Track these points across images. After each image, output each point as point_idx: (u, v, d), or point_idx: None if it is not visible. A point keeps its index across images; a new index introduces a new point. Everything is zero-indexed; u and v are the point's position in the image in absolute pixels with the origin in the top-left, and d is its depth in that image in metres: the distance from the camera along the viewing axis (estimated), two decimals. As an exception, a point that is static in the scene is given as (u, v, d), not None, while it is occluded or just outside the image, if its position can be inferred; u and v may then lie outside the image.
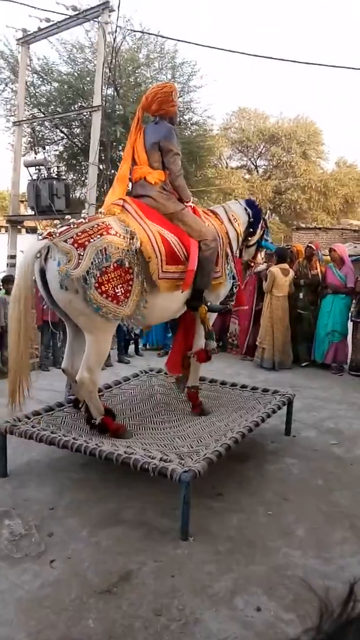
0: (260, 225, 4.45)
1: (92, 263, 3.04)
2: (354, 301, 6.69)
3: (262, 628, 2.17)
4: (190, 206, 3.78)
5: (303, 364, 7.10)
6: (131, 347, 7.58)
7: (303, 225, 16.99)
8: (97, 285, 3.07)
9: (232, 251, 4.10)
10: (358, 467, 3.89)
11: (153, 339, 7.74)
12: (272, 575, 2.52)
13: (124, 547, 2.71)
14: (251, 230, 4.36)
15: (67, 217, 3.58)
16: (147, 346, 7.85)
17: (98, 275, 3.06)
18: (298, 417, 4.79)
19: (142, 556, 2.63)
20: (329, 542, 2.86)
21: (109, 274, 3.12)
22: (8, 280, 6.84)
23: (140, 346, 7.71)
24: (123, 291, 3.18)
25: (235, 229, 4.14)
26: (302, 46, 40.13)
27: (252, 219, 4.33)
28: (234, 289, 4.14)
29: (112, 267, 3.13)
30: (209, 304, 3.76)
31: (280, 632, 2.13)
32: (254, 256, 4.66)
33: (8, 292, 6.71)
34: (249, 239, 4.41)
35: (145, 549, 2.70)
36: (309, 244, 7.46)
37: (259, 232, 4.46)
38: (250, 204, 4.44)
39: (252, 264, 4.79)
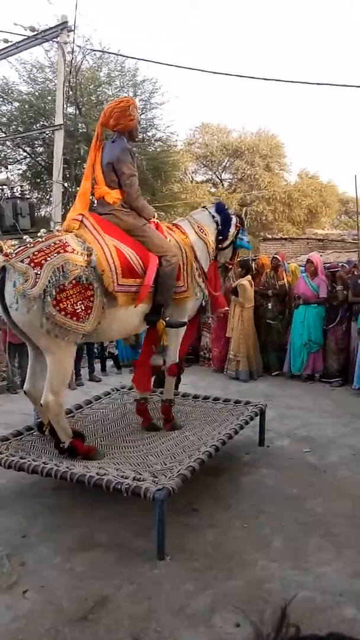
0: (233, 226, 4.35)
1: (49, 281, 3.02)
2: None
3: (241, 645, 2.14)
4: (153, 222, 3.77)
5: (274, 373, 7.18)
6: (110, 364, 7.57)
7: (269, 236, 17.27)
8: (55, 303, 3.04)
9: (200, 264, 4.00)
10: (331, 474, 3.93)
11: (123, 356, 7.69)
12: (250, 590, 2.51)
13: (99, 572, 2.65)
14: (220, 237, 4.26)
15: (24, 237, 3.60)
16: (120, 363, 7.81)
17: (55, 293, 3.04)
18: (271, 427, 4.82)
19: (118, 579, 2.58)
20: (305, 552, 2.86)
21: (68, 291, 3.09)
22: None
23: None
24: (83, 307, 3.16)
25: (204, 240, 4.06)
26: (260, 61, 41.24)
27: (220, 226, 4.23)
28: (204, 302, 4.12)
29: (70, 284, 3.10)
30: (167, 319, 3.68)
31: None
32: (231, 257, 4.55)
33: None
34: (222, 243, 4.32)
35: (121, 572, 2.65)
36: (275, 255, 7.60)
37: (232, 232, 4.35)
38: (219, 209, 4.30)
39: (230, 266, 4.69)
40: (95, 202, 3.80)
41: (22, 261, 3.09)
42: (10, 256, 3.15)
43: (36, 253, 3.12)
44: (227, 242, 4.35)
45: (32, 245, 3.22)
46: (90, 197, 3.71)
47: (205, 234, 4.10)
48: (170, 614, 2.33)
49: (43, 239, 3.30)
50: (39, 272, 3.03)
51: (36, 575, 2.62)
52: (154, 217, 3.81)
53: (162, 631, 2.22)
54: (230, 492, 3.60)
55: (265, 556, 2.81)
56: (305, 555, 2.83)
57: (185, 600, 2.42)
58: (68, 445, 3.37)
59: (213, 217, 4.24)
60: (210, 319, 6.98)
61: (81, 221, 3.41)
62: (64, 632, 2.22)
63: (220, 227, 4.23)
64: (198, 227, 4.11)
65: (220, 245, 4.29)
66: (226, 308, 4.84)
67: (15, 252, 3.22)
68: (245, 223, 4.62)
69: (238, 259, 5.67)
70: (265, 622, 0.48)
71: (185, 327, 3.98)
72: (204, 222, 4.18)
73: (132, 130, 3.72)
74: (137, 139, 3.96)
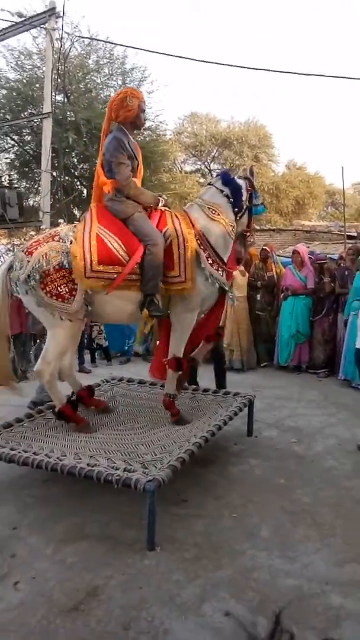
0: (244, 191, 4.01)
1: (32, 267, 3.45)
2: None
3: (231, 633, 2.19)
4: (159, 210, 3.73)
5: (262, 365, 7.24)
6: (100, 355, 7.59)
7: (257, 227, 17.27)
8: (42, 286, 3.47)
9: (214, 251, 3.76)
10: (318, 464, 3.99)
11: (112, 347, 7.69)
12: (239, 579, 2.55)
13: (90, 563, 2.68)
14: (236, 209, 3.95)
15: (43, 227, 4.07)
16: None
17: (39, 277, 3.45)
18: (259, 417, 4.87)
19: (109, 570, 2.61)
20: (292, 541, 2.92)
21: (52, 276, 3.47)
22: None
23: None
24: (67, 290, 3.50)
25: (217, 221, 3.80)
26: (250, 50, 40.97)
27: (232, 199, 3.91)
28: (223, 290, 3.93)
29: (52, 269, 3.47)
30: (151, 308, 3.64)
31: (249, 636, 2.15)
32: (248, 224, 4.14)
33: None
34: (237, 214, 4.00)
35: (111, 562, 2.68)
36: (264, 246, 7.62)
37: (245, 199, 4.01)
38: (225, 180, 3.95)
39: (248, 234, 4.20)
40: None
41: (22, 251, 3.61)
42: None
43: (33, 243, 3.62)
44: (243, 209, 4.04)
45: (38, 236, 3.77)
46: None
47: (219, 214, 3.82)
48: (161, 603, 2.36)
49: (47, 231, 3.81)
50: (29, 259, 3.49)
51: (27, 567, 2.64)
52: (156, 204, 3.76)
53: (152, 621, 2.25)
54: (219, 482, 3.65)
55: (254, 546, 2.86)
56: (293, 544, 2.88)
57: (175, 590, 2.46)
58: (58, 410, 3.81)
59: (222, 191, 3.91)
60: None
61: (89, 211, 3.72)
62: (55, 622, 2.24)
63: (232, 199, 3.91)
64: (209, 208, 3.84)
65: (236, 218, 3.99)
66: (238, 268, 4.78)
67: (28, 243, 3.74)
68: (255, 183, 4.17)
69: None
70: (258, 625, 0.50)
71: (193, 321, 3.87)
72: (215, 201, 3.88)
73: (133, 119, 3.71)
74: (142, 127, 3.90)
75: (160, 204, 3.77)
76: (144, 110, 3.81)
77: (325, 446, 4.36)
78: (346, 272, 6.62)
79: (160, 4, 43.09)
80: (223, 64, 8.37)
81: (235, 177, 4.03)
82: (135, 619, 2.26)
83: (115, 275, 3.48)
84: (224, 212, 3.86)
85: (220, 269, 3.80)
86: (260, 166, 23.61)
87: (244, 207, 4.03)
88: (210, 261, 3.73)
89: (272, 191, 22.34)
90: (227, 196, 3.90)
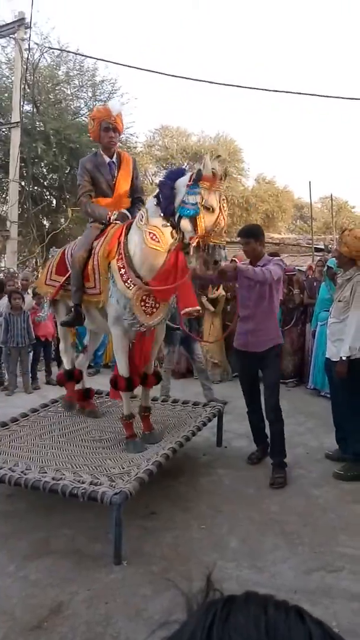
0: (183, 188, 3.07)
1: None
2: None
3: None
4: (109, 224, 3.71)
5: (234, 375, 7.27)
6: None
7: (227, 240, 17.48)
8: None
9: (126, 262, 3.32)
10: (287, 473, 4.00)
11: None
12: (202, 587, 2.52)
13: (54, 579, 2.60)
14: (162, 214, 3.17)
15: None
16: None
17: None
18: (230, 428, 4.87)
19: (74, 586, 2.54)
20: (261, 551, 2.91)
21: None
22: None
23: None
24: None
25: (142, 228, 3.27)
26: (222, 65, 41.78)
27: (160, 200, 3.18)
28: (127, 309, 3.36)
29: None
30: (63, 319, 3.99)
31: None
32: (193, 229, 3.02)
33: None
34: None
35: (76, 578, 2.61)
36: (233, 258, 7.68)
37: (179, 200, 3.08)
38: (161, 180, 3.29)
39: (188, 241, 3.07)
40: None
41: None
42: None
43: None
44: (177, 215, 3.10)
45: None
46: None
47: (144, 220, 3.27)
48: (127, 618, 2.31)
49: None
50: None
51: (-11, 585, 2.55)
52: (106, 218, 3.71)
53: (118, 636, 2.20)
54: (189, 493, 3.62)
55: (223, 556, 2.83)
56: (261, 554, 2.87)
57: (142, 604, 2.41)
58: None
59: (157, 194, 3.26)
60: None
61: None
62: (17, 642, 2.16)
63: (159, 201, 3.18)
64: (141, 215, 3.34)
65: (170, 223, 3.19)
66: (196, 308, 3.47)
67: None
68: (203, 171, 3.04)
69: None
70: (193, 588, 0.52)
71: (120, 338, 3.53)
72: (148, 206, 3.34)
73: (99, 140, 3.82)
74: (106, 144, 3.75)
75: (112, 218, 3.71)
76: (109, 127, 3.67)
77: (293, 455, 4.37)
78: (314, 284, 6.75)
79: (131, 17, 43.59)
80: (192, 79, 8.52)
81: (181, 174, 3.22)
82: (100, 635, 2.20)
83: (58, 284, 3.94)
84: (150, 217, 3.24)
85: (133, 285, 3.29)
86: (230, 180, 23.94)
87: (174, 205, 3.10)
88: (124, 275, 3.31)
89: (242, 205, 22.67)
90: (156, 197, 3.23)
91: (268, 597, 0.53)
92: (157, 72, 9.29)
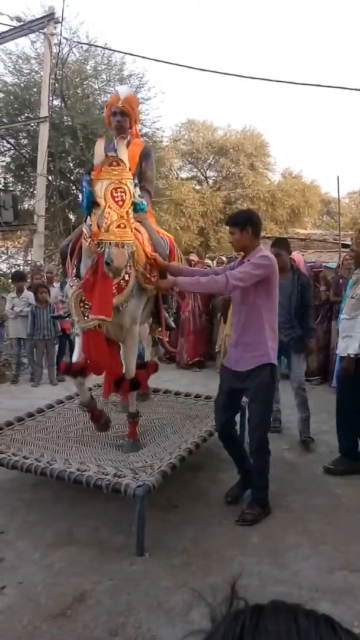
0: (87, 182, 2.80)
1: None
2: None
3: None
4: None
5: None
6: None
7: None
8: None
9: (77, 262, 3.17)
10: (309, 471, 3.98)
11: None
12: (227, 586, 2.53)
13: (78, 568, 2.65)
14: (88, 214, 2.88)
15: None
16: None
17: None
18: (251, 425, 4.85)
19: (97, 575, 2.58)
20: (283, 548, 2.90)
21: None
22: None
23: None
24: None
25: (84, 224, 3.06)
26: (249, 59, 41.31)
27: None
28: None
29: None
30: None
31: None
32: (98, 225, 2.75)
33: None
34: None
35: (99, 567, 2.65)
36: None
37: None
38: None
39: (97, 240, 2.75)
40: None
41: None
42: None
43: None
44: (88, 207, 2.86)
45: None
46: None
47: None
48: (149, 610, 2.34)
49: None
50: None
51: (14, 571, 2.61)
52: None
53: (140, 627, 2.23)
54: (210, 488, 3.63)
55: (243, 552, 2.84)
56: (283, 551, 2.87)
57: (163, 596, 2.44)
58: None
59: None
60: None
61: None
62: (41, 628, 2.21)
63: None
64: None
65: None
66: (103, 317, 2.85)
67: None
68: (93, 158, 2.81)
69: None
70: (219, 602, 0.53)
71: (79, 335, 3.30)
72: None
73: (109, 126, 3.70)
74: (113, 128, 3.57)
75: None
76: (116, 112, 3.49)
77: (317, 453, 4.35)
78: (340, 281, 6.65)
79: (159, 11, 43.44)
80: (220, 73, 8.43)
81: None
82: (122, 625, 2.24)
83: None
84: (88, 222, 2.91)
85: (73, 285, 3.13)
86: (256, 174, 23.75)
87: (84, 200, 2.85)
88: (71, 274, 3.19)
89: (267, 199, 22.45)
90: None
91: (296, 606, 0.53)
92: (184, 66, 9.24)
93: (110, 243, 2.65)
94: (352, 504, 3.45)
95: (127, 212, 2.70)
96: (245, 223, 3.13)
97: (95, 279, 2.82)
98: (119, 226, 2.68)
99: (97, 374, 3.67)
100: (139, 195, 2.81)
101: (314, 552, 2.86)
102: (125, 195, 2.68)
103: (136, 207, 2.79)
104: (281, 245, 4.64)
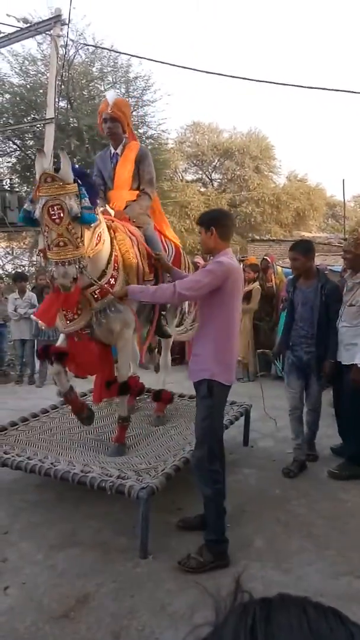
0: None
1: None
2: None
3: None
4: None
5: (260, 374, 7.22)
6: None
7: (257, 238, 17.36)
8: None
9: None
10: (314, 475, 3.96)
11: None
12: (231, 589, 2.51)
13: (81, 569, 2.64)
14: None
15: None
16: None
17: None
18: (255, 427, 4.84)
19: (100, 577, 2.57)
20: (287, 552, 2.88)
21: None
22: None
23: None
24: None
25: None
26: (255, 61, 41.39)
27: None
28: None
29: None
30: None
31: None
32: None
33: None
34: None
35: (103, 569, 2.64)
36: (265, 257, 7.63)
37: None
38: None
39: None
40: None
41: None
42: None
43: None
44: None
45: None
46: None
47: None
48: (152, 613, 2.33)
49: None
50: None
51: (17, 572, 2.61)
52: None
53: (143, 630, 2.22)
54: (214, 491, 3.60)
55: (247, 556, 2.82)
56: (287, 555, 2.85)
57: (167, 599, 2.43)
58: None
59: None
60: None
61: None
62: (44, 629, 2.21)
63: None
64: None
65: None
66: (40, 322, 3.21)
67: None
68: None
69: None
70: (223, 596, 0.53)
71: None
72: None
73: (102, 133, 3.87)
74: (105, 135, 3.81)
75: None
76: (106, 119, 3.64)
77: (321, 457, 4.33)
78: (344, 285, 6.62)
79: (165, 14, 43.58)
80: (226, 75, 8.43)
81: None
82: (125, 627, 2.23)
83: None
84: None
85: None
86: (261, 177, 23.76)
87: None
88: None
89: (272, 202, 22.46)
90: None
91: (303, 598, 0.53)
92: (190, 69, 9.27)
93: (57, 262, 2.66)
94: (357, 508, 3.43)
95: (66, 228, 2.64)
96: (209, 223, 2.80)
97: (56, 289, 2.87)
98: (57, 245, 2.65)
99: (81, 375, 3.72)
100: (86, 208, 2.67)
101: (318, 557, 2.84)
102: (63, 212, 2.61)
103: (84, 219, 2.69)
104: (299, 249, 3.98)
